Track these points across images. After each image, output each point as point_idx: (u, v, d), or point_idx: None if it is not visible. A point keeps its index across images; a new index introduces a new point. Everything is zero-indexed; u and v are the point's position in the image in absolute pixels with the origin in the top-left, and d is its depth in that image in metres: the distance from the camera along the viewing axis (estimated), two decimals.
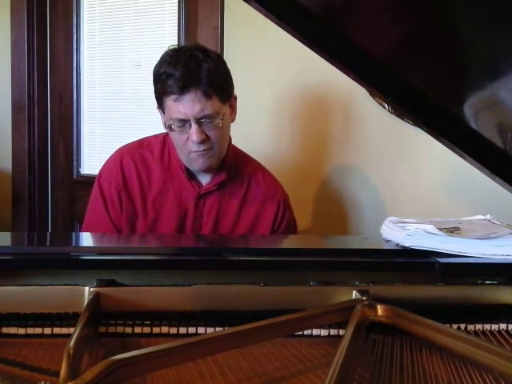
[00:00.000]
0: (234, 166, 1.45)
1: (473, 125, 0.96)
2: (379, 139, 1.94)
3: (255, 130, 2.03)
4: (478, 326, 0.89)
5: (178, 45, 1.82)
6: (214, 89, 1.27)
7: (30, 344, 0.79)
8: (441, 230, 1.01)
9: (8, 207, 2.46)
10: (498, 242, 0.99)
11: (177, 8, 2.24)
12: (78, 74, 2.44)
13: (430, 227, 1.02)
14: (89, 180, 2.09)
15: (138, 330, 0.83)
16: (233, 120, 1.40)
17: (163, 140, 1.45)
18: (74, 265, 0.94)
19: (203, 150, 1.31)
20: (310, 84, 2.00)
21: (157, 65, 1.31)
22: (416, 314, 0.83)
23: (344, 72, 0.90)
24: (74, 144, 2.48)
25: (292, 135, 2.07)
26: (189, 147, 1.32)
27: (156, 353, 0.66)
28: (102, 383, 0.59)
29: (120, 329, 0.82)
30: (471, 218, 1.19)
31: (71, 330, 0.78)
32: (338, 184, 2.03)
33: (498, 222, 1.14)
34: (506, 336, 0.87)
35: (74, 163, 2.49)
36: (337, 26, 0.85)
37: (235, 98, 1.39)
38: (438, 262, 0.95)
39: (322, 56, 0.87)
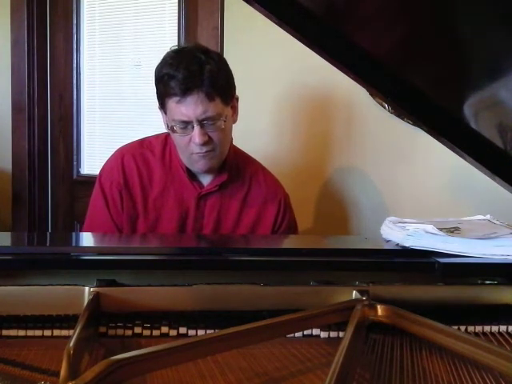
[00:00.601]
0: (235, 166, 1.45)
1: (473, 125, 0.96)
2: (379, 139, 1.94)
3: (256, 130, 2.03)
4: (478, 328, 0.88)
5: (180, 45, 1.83)
6: (217, 90, 1.26)
7: (30, 344, 0.79)
8: (441, 229, 1.01)
9: (8, 207, 2.46)
10: (498, 242, 0.99)
11: (177, 8, 2.24)
12: (78, 73, 2.44)
13: (430, 227, 1.02)
14: (89, 180, 2.10)
15: (137, 330, 0.82)
16: (234, 121, 1.40)
17: (164, 140, 1.45)
18: (74, 265, 0.94)
19: (205, 152, 1.31)
20: (310, 84, 2.00)
21: (158, 66, 1.31)
22: (416, 314, 0.83)
23: (344, 72, 0.90)
24: (74, 144, 2.48)
25: (292, 135, 2.07)
26: (191, 148, 1.32)
27: (156, 353, 0.66)
28: (101, 383, 0.59)
29: (120, 331, 0.82)
30: (471, 218, 1.19)
31: (71, 332, 0.77)
32: (339, 184, 2.03)
33: (497, 222, 1.14)
34: (507, 336, 0.87)
35: (74, 163, 2.49)
36: (337, 26, 0.85)
37: (237, 99, 1.39)
38: (438, 262, 0.95)
39: (322, 56, 0.87)
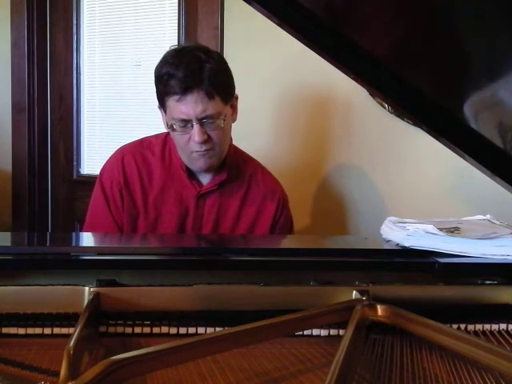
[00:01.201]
0: (234, 165, 1.45)
1: (473, 125, 0.95)
2: (379, 139, 1.94)
3: (255, 130, 2.03)
4: (478, 327, 0.88)
5: (180, 45, 1.83)
6: (216, 89, 1.27)
7: (30, 344, 0.79)
8: (441, 229, 1.01)
9: (8, 207, 2.46)
10: (498, 242, 0.99)
11: (177, 8, 2.24)
12: (78, 74, 2.44)
13: (430, 227, 1.02)
14: (89, 180, 2.10)
15: (137, 330, 0.83)
16: (234, 120, 1.41)
17: (164, 140, 1.45)
18: (74, 265, 0.94)
19: (205, 151, 1.32)
20: (310, 84, 2.00)
21: (159, 65, 1.31)
22: (416, 314, 0.83)
23: (344, 72, 0.90)
24: (74, 144, 2.48)
25: (292, 135, 2.07)
26: (190, 147, 1.32)
27: (156, 353, 0.66)
28: (102, 383, 0.59)
29: (120, 329, 0.82)
30: (471, 218, 1.19)
31: (71, 330, 0.78)
32: (338, 184, 2.03)
33: (497, 222, 1.14)
34: (506, 336, 0.87)
35: (74, 163, 2.49)
36: (337, 26, 0.85)
37: (236, 98, 1.40)
38: (438, 262, 0.95)
39: (322, 56, 0.87)
